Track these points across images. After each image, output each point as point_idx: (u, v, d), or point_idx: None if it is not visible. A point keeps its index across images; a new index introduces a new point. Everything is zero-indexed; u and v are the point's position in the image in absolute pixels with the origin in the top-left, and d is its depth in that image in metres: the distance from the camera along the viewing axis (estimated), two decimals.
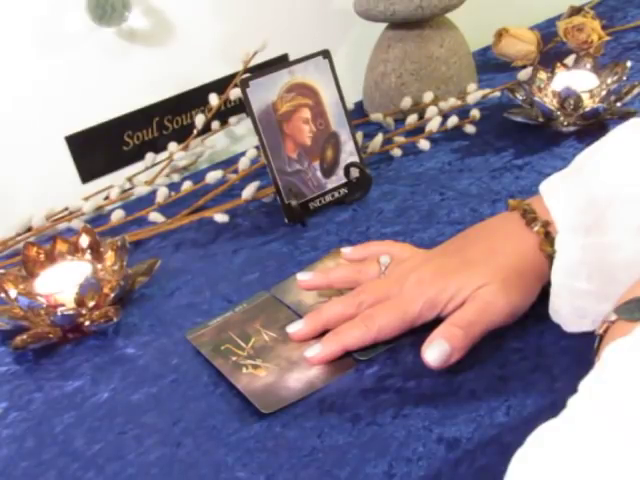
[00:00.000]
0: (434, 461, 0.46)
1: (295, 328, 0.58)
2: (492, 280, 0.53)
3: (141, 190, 0.83)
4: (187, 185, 0.82)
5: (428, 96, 0.89)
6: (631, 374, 0.32)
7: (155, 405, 0.55)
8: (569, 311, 0.52)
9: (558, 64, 0.86)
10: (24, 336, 0.62)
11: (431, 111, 0.87)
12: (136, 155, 0.88)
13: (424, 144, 0.84)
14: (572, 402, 0.33)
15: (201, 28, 0.89)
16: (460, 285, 0.53)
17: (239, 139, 0.95)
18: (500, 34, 1.01)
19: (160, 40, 0.87)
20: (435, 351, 0.51)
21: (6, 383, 0.60)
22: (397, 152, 0.85)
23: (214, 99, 0.87)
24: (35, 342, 0.62)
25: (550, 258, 0.53)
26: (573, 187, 0.53)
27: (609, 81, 0.83)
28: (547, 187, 0.55)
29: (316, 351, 0.55)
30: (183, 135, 0.88)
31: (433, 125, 0.85)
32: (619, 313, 0.38)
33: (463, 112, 0.87)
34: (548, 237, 0.53)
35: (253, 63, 0.85)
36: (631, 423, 0.30)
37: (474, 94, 0.88)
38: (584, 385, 0.34)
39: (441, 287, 0.54)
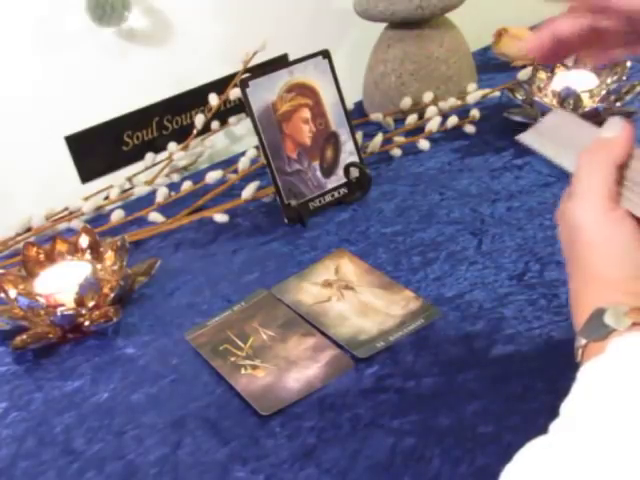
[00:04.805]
0: (434, 461, 0.46)
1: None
2: None
3: (141, 190, 0.83)
4: (187, 185, 0.82)
5: (428, 96, 0.89)
6: (603, 392, 0.33)
7: (155, 405, 0.55)
8: None
9: (558, 64, 0.86)
10: (24, 336, 0.62)
11: (431, 111, 0.87)
12: (136, 155, 0.88)
13: (424, 144, 0.84)
14: (554, 425, 0.33)
15: (201, 28, 0.89)
16: None
17: (239, 139, 0.95)
18: (500, 34, 1.01)
19: (160, 40, 0.87)
20: None
21: (6, 383, 0.60)
22: (397, 152, 0.85)
23: (214, 99, 0.87)
24: (35, 342, 0.62)
25: None
26: None
27: (609, 81, 0.83)
28: None
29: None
30: (183, 135, 0.88)
31: (433, 125, 0.85)
32: (585, 336, 0.38)
33: (463, 112, 0.87)
34: None
35: (253, 63, 0.85)
36: (607, 441, 0.30)
37: (474, 94, 0.88)
38: (564, 407, 0.34)
39: None
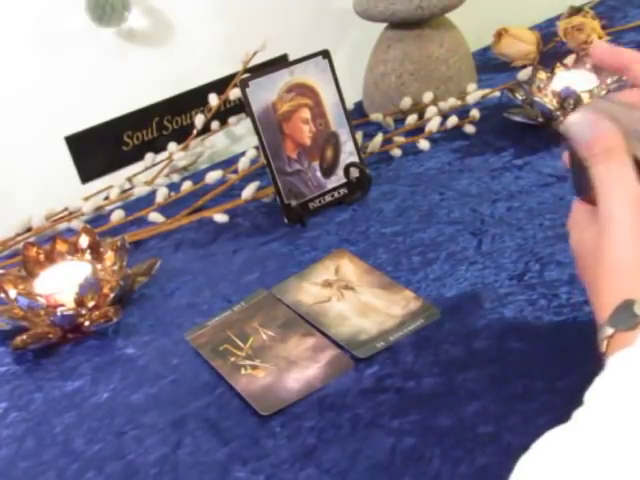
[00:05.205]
0: (434, 461, 0.46)
1: None
2: None
3: (141, 190, 0.83)
4: (187, 185, 0.82)
5: (428, 96, 0.89)
6: (635, 384, 0.32)
7: (155, 405, 0.55)
8: None
9: (558, 64, 0.86)
10: (24, 336, 0.62)
11: (431, 111, 0.87)
12: (136, 155, 0.88)
13: (424, 144, 0.84)
14: (577, 413, 0.33)
15: (201, 28, 0.89)
16: None
17: (239, 139, 0.95)
18: (500, 34, 1.01)
19: (160, 40, 0.87)
20: None
21: (6, 383, 0.60)
22: (397, 152, 0.85)
23: (214, 99, 0.87)
24: (35, 342, 0.62)
25: None
26: None
27: (609, 81, 0.83)
28: None
29: None
30: (183, 135, 0.88)
31: (433, 125, 0.85)
32: (612, 326, 0.37)
33: (463, 112, 0.87)
34: None
35: (253, 63, 0.85)
36: (635, 433, 0.30)
37: (474, 94, 0.88)
38: (588, 396, 0.34)
39: None
